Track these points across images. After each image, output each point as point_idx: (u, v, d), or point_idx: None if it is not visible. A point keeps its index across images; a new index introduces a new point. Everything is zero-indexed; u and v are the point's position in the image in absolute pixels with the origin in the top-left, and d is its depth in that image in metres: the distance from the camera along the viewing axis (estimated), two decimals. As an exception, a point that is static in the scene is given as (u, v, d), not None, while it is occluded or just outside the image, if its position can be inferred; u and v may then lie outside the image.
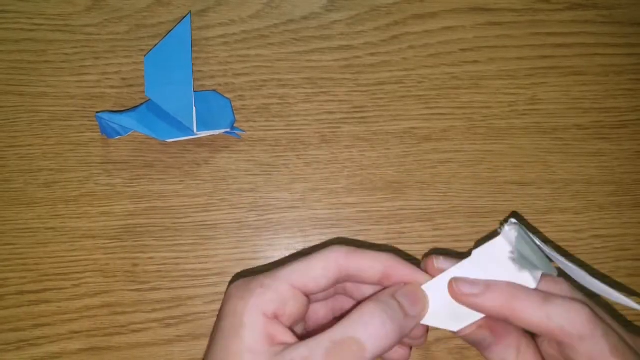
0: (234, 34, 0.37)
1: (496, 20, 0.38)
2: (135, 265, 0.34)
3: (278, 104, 0.36)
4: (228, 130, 0.35)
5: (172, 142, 0.35)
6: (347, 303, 0.28)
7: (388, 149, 0.36)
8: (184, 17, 0.36)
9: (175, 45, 0.35)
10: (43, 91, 0.36)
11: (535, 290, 0.24)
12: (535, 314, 0.23)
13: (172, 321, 0.34)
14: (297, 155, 0.36)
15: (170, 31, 0.36)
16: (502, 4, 0.38)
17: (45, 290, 0.34)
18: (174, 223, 0.35)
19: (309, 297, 0.25)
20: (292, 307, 0.23)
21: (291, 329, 0.24)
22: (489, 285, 0.24)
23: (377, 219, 0.36)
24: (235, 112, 0.36)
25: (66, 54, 0.36)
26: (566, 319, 0.23)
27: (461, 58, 0.37)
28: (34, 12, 0.37)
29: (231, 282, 0.28)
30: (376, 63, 0.37)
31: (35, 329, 0.34)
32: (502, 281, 0.24)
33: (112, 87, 0.36)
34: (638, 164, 0.37)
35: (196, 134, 0.35)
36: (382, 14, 0.38)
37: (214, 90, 0.36)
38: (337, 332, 0.22)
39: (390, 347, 0.22)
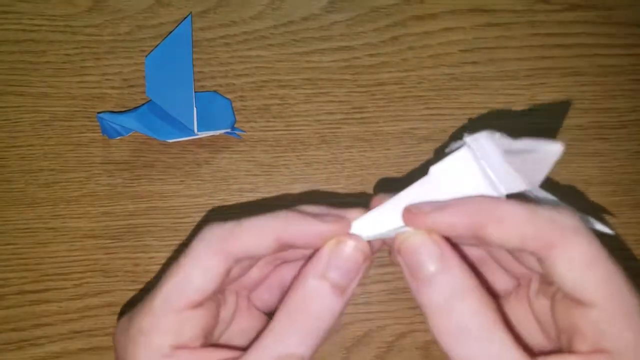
0: (234, 35, 0.37)
1: (495, 21, 0.38)
2: (136, 265, 0.35)
3: (278, 104, 0.37)
4: (228, 130, 0.35)
5: (173, 142, 0.35)
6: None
7: (388, 149, 0.36)
8: (185, 18, 0.36)
9: (176, 46, 0.35)
10: (44, 92, 0.36)
11: (514, 199, 0.19)
12: (517, 227, 0.18)
13: (172, 321, 0.34)
14: (297, 155, 0.36)
15: (171, 32, 0.36)
16: (501, 4, 0.38)
17: (46, 290, 0.34)
18: (175, 223, 0.35)
19: (214, 299, 0.21)
20: (190, 330, 0.20)
21: (210, 338, 0.21)
22: (451, 201, 0.19)
23: (377, 219, 0.36)
24: (235, 112, 0.36)
25: (67, 55, 0.36)
26: (557, 229, 0.18)
27: (460, 59, 0.37)
28: (34, 13, 0.37)
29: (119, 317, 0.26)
30: (376, 64, 0.37)
31: (36, 328, 0.34)
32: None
33: (113, 87, 0.36)
34: (637, 164, 0.37)
35: (197, 135, 0.35)
36: (382, 15, 0.38)
37: (215, 91, 0.36)
38: (267, 353, 0.19)
39: (329, 331, 0.20)
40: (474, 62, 0.38)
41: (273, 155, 0.36)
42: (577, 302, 0.18)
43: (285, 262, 0.25)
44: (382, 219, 0.20)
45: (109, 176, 0.35)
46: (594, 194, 0.37)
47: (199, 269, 0.20)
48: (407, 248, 0.20)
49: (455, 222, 0.19)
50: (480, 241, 0.19)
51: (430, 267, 0.19)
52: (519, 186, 0.20)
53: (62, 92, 0.36)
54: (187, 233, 0.35)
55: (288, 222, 0.20)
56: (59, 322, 0.34)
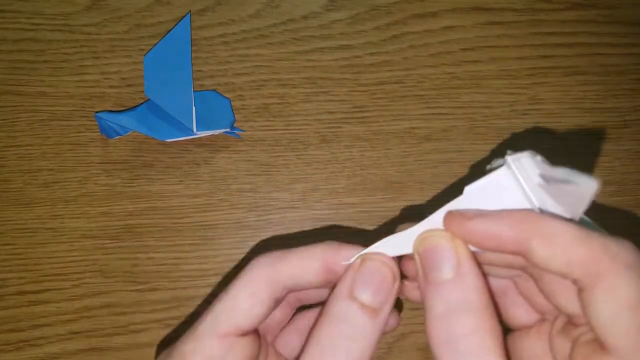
0: (233, 33, 0.37)
1: (497, 19, 0.38)
2: (134, 265, 0.34)
3: (278, 103, 0.36)
4: (228, 130, 0.35)
5: (172, 142, 0.35)
6: (303, 292, 0.24)
7: (388, 148, 0.36)
8: (184, 16, 0.36)
9: (174, 45, 0.35)
10: (42, 91, 0.36)
11: (567, 219, 0.18)
12: (566, 247, 0.17)
13: (171, 321, 0.34)
14: (297, 155, 0.36)
15: (170, 31, 0.35)
16: (502, 3, 0.38)
17: (44, 290, 0.34)
18: (174, 223, 0.35)
19: (256, 331, 0.21)
20: (234, 358, 0.19)
21: None
22: (497, 210, 0.18)
23: (377, 219, 0.35)
24: (235, 111, 0.36)
25: (65, 54, 0.36)
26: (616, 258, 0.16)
27: (462, 57, 0.37)
28: (33, 12, 0.37)
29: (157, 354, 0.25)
30: (376, 62, 0.37)
31: (34, 329, 0.34)
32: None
33: (111, 86, 0.36)
34: (639, 164, 0.37)
35: (196, 134, 0.34)
36: (382, 14, 0.37)
37: (214, 90, 0.36)
38: None
39: (373, 354, 0.19)
40: (475, 61, 0.37)
41: (272, 155, 0.36)
42: (601, 346, 0.17)
43: (305, 308, 0.25)
44: (411, 240, 0.19)
45: (108, 176, 0.35)
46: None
47: (247, 295, 0.20)
48: (426, 247, 0.19)
49: (500, 232, 0.18)
50: (523, 257, 0.18)
51: (444, 272, 0.18)
52: (559, 213, 0.18)
53: (61, 91, 0.36)
54: (186, 233, 0.35)
55: (334, 248, 0.20)
56: (58, 322, 0.34)
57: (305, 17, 0.37)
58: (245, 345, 0.20)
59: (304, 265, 0.20)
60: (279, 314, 0.24)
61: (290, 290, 0.21)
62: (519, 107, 0.37)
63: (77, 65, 0.36)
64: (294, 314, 0.25)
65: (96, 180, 0.35)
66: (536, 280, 0.20)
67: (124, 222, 0.35)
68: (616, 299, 0.16)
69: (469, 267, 0.18)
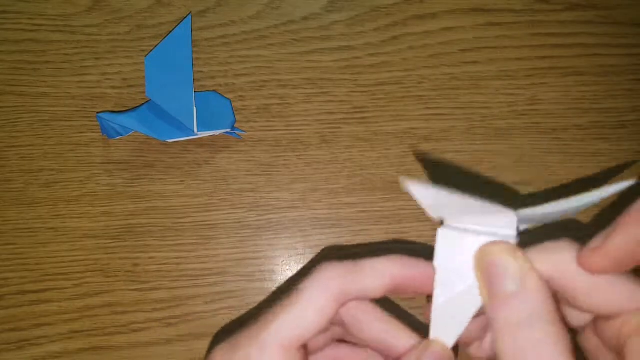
0: (234, 34, 0.37)
1: (496, 20, 0.38)
2: (135, 265, 0.35)
3: (278, 104, 0.37)
4: (228, 130, 0.35)
5: (173, 142, 0.35)
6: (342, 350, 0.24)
7: (388, 149, 0.36)
8: (185, 17, 0.36)
9: (175, 46, 0.35)
10: (44, 91, 0.36)
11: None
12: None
13: (172, 321, 0.34)
14: (297, 155, 0.36)
15: (171, 32, 0.36)
16: (501, 4, 0.38)
17: (46, 290, 0.34)
18: (175, 223, 0.35)
19: (306, 348, 0.21)
20: None
21: None
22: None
23: (377, 219, 0.36)
24: (235, 112, 0.36)
25: (67, 55, 0.36)
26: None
27: (461, 58, 0.37)
28: (34, 13, 0.37)
29: (212, 345, 0.25)
30: (376, 64, 0.37)
31: (36, 328, 0.34)
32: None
33: (112, 87, 0.36)
34: (638, 164, 0.37)
35: (197, 134, 0.35)
36: (382, 15, 0.38)
37: (215, 91, 0.36)
38: None
39: None
40: (474, 62, 0.37)
41: (273, 155, 0.36)
42: None
43: (341, 341, 0.24)
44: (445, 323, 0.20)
45: (109, 176, 0.35)
46: (594, 194, 0.36)
47: (316, 309, 0.20)
48: (488, 262, 0.19)
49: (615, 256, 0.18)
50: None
51: (511, 285, 0.18)
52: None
53: (62, 92, 0.36)
54: (187, 233, 0.35)
55: (403, 263, 0.21)
56: (59, 322, 0.34)
57: (305, 19, 0.37)
58: (302, 357, 0.20)
59: (374, 281, 0.20)
60: (322, 340, 0.24)
61: (353, 300, 0.21)
62: (517, 107, 0.37)
63: (78, 66, 0.36)
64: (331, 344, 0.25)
65: (97, 180, 0.35)
66: None
67: (125, 222, 0.35)
68: None
69: (533, 279, 0.18)
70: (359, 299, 0.21)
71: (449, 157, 0.36)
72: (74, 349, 0.34)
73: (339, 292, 0.20)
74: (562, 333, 0.18)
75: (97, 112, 0.35)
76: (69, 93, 0.36)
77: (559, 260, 0.19)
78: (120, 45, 0.37)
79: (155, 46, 0.35)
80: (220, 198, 0.35)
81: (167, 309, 0.34)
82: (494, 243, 0.20)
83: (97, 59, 0.37)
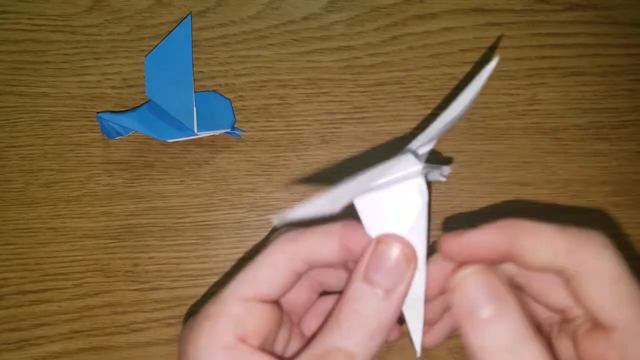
0: (234, 34, 0.37)
1: (496, 20, 0.38)
2: (135, 265, 0.35)
3: (278, 104, 0.37)
4: (228, 130, 0.35)
5: (173, 142, 0.35)
6: (326, 276, 0.25)
7: (388, 149, 0.36)
8: (185, 17, 0.36)
9: (175, 46, 0.35)
10: (44, 91, 0.36)
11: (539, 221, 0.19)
12: (550, 241, 0.18)
13: (172, 321, 0.34)
14: (297, 155, 0.36)
15: (171, 32, 0.36)
16: (501, 4, 0.38)
17: (46, 290, 0.34)
18: (175, 223, 0.35)
19: (277, 301, 0.22)
20: (255, 324, 0.20)
21: (269, 348, 0.21)
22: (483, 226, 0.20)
23: (377, 219, 0.36)
24: (235, 112, 0.36)
25: (67, 55, 0.36)
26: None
27: (461, 58, 0.37)
28: (34, 13, 0.37)
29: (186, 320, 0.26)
30: (376, 64, 0.37)
31: (36, 328, 0.34)
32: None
33: (112, 87, 0.36)
34: (637, 164, 0.37)
35: (197, 134, 0.35)
36: (382, 15, 0.38)
37: (215, 91, 0.36)
38: (318, 347, 0.19)
39: (384, 338, 0.20)
40: (474, 62, 0.37)
41: (273, 155, 0.36)
42: (601, 327, 0.18)
43: (329, 292, 0.25)
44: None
45: (109, 176, 0.35)
46: (594, 194, 0.37)
47: (268, 265, 0.21)
48: (461, 288, 0.19)
49: (493, 240, 0.19)
50: (513, 260, 0.19)
51: (486, 310, 0.18)
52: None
53: (62, 92, 0.36)
54: (187, 233, 0.35)
55: (351, 227, 0.21)
56: (59, 322, 0.34)
57: (305, 19, 0.37)
58: (265, 312, 0.21)
59: (322, 242, 0.21)
60: (304, 296, 0.25)
61: (311, 266, 0.22)
62: (517, 107, 0.37)
63: (78, 66, 0.36)
64: (318, 299, 0.26)
65: (97, 180, 0.35)
66: (525, 287, 0.21)
67: (125, 222, 0.35)
68: (601, 278, 0.18)
69: (509, 298, 0.18)
70: (317, 263, 0.22)
71: (449, 156, 0.36)
72: (74, 349, 0.34)
73: (290, 253, 0.21)
74: (547, 349, 0.18)
75: (97, 112, 0.35)
76: (69, 93, 0.36)
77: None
78: (120, 45, 0.37)
79: (155, 46, 0.35)
80: (220, 198, 0.35)
81: (167, 309, 0.34)
82: (466, 267, 0.19)
83: (97, 59, 0.37)
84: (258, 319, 0.20)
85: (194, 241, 0.35)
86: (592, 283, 0.18)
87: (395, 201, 0.20)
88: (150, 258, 0.35)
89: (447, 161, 0.31)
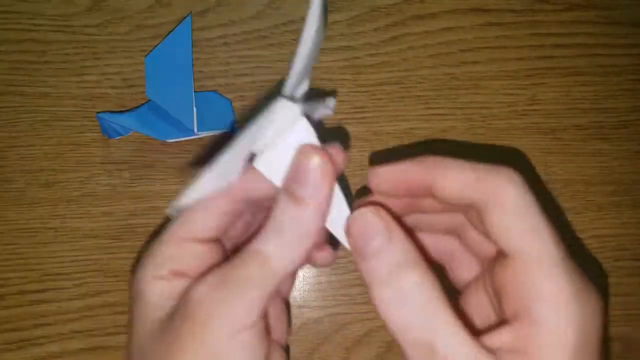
0: (234, 34, 0.37)
1: (496, 20, 0.38)
2: (136, 265, 0.35)
3: (278, 104, 0.37)
4: (228, 130, 0.35)
5: (173, 142, 0.35)
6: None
7: (388, 149, 0.36)
8: (185, 17, 0.36)
9: (175, 46, 0.35)
10: (44, 91, 0.36)
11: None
12: (460, 175, 0.20)
13: (172, 321, 0.34)
14: (297, 155, 0.36)
15: (171, 32, 0.36)
16: (501, 4, 0.38)
17: (46, 289, 0.34)
18: (175, 223, 0.35)
19: (217, 241, 0.23)
20: (191, 260, 0.22)
21: None
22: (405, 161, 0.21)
23: (377, 219, 0.36)
24: (235, 112, 0.36)
25: (67, 55, 0.36)
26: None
27: (461, 58, 0.37)
28: (34, 13, 0.37)
29: None
30: (376, 64, 0.37)
31: (36, 328, 0.34)
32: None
33: (112, 87, 0.36)
34: (637, 164, 0.37)
35: (197, 134, 0.35)
36: (382, 15, 0.38)
37: (215, 91, 0.36)
38: (244, 251, 0.20)
39: (304, 249, 0.20)
40: (474, 62, 0.38)
41: (273, 155, 0.36)
42: (506, 257, 0.19)
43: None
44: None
45: (109, 176, 0.35)
46: (594, 194, 0.37)
47: (201, 207, 0.22)
48: (354, 228, 0.20)
49: (412, 173, 0.21)
50: (430, 194, 0.21)
51: (378, 241, 0.19)
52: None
53: (62, 92, 0.36)
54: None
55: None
56: (59, 322, 0.34)
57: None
58: (202, 251, 0.22)
59: (253, 179, 0.22)
60: (242, 223, 0.25)
61: (248, 204, 0.23)
62: (517, 107, 0.37)
63: (78, 66, 0.36)
64: None
65: (98, 180, 0.35)
66: (472, 223, 0.22)
67: (125, 222, 0.35)
68: (506, 207, 0.19)
69: (395, 228, 0.20)
70: (255, 199, 0.22)
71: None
72: (74, 349, 0.34)
73: (225, 194, 0.22)
74: (433, 275, 0.19)
75: (97, 112, 0.35)
76: (69, 93, 0.36)
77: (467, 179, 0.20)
78: (120, 45, 0.37)
79: (156, 46, 0.35)
80: (220, 198, 0.35)
81: (167, 309, 0.34)
82: (359, 210, 0.20)
83: (97, 59, 0.37)
84: (194, 257, 0.22)
85: (194, 241, 0.35)
86: (496, 212, 0.19)
87: (290, 150, 0.21)
88: (150, 258, 0.35)
89: (331, 94, 0.30)
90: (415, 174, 0.21)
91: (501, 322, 0.19)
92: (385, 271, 0.19)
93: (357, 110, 0.37)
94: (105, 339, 0.34)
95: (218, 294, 0.19)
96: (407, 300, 0.18)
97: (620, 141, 0.37)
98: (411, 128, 0.37)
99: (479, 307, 0.22)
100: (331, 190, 0.20)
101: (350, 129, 0.36)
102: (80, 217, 0.35)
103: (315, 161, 0.20)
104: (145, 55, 0.35)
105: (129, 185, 0.35)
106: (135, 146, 0.36)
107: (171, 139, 0.35)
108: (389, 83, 0.37)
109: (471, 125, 0.37)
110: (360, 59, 0.37)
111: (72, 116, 0.36)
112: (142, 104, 0.35)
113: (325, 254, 0.23)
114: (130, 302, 0.22)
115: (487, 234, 0.20)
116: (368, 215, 0.20)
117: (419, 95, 0.37)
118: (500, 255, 0.20)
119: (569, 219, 0.36)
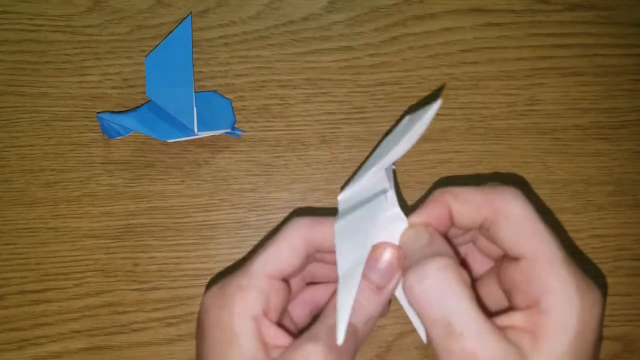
0: (234, 34, 0.37)
1: (495, 21, 0.38)
2: (136, 264, 0.35)
3: (278, 104, 0.37)
4: (228, 130, 0.35)
5: (173, 142, 0.35)
6: (317, 268, 0.27)
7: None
8: (185, 18, 0.36)
9: (176, 46, 0.35)
10: (44, 92, 0.36)
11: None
12: (472, 199, 0.23)
13: (173, 320, 0.34)
14: (297, 155, 0.36)
15: (171, 32, 0.36)
16: (501, 5, 0.38)
17: (46, 289, 0.34)
18: (175, 223, 0.35)
19: (288, 282, 0.24)
20: (276, 299, 0.23)
21: (279, 322, 0.24)
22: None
23: (376, 219, 0.36)
24: (235, 112, 0.36)
25: (67, 55, 0.37)
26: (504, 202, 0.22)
27: (460, 59, 0.37)
28: (35, 13, 0.37)
29: (206, 290, 0.28)
30: (376, 64, 0.37)
31: (36, 328, 0.34)
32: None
33: (113, 87, 0.36)
34: (637, 164, 0.37)
35: (197, 134, 0.35)
36: (382, 15, 0.38)
37: (215, 91, 0.36)
38: (324, 323, 0.22)
39: (373, 324, 0.23)
40: (473, 62, 0.38)
41: (273, 155, 0.36)
42: (513, 259, 0.22)
43: (315, 282, 0.28)
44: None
45: (110, 176, 0.35)
46: (594, 194, 0.37)
47: (288, 245, 0.23)
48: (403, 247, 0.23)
49: (436, 213, 0.23)
50: (452, 223, 0.23)
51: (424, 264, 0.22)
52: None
53: (62, 92, 0.36)
54: (188, 233, 0.35)
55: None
56: (59, 321, 0.34)
57: (305, 19, 0.38)
58: (284, 288, 0.24)
59: (332, 231, 0.23)
60: (296, 283, 0.27)
61: (318, 252, 0.24)
62: (517, 107, 0.37)
63: (78, 66, 0.36)
64: (304, 288, 0.28)
65: (98, 180, 0.35)
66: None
67: (125, 222, 0.35)
68: (512, 219, 0.22)
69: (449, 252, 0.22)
70: (325, 249, 0.24)
71: (448, 157, 0.36)
72: (75, 349, 0.34)
73: (306, 237, 0.24)
74: (455, 263, 0.21)
75: (98, 112, 0.35)
76: (69, 93, 0.36)
77: (495, 203, 0.23)
78: (120, 46, 0.37)
79: (156, 46, 0.35)
80: (220, 198, 0.36)
81: (167, 309, 0.34)
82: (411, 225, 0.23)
83: (97, 59, 0.37)
84: (279, 296, 0.23)
85: (194, 241, 0.35)
86: (504, 224, 0.22)
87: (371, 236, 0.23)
88: (150, 258, 0.35)
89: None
90: (439, 213, 0.23)
91: (511, 308, 0.22)
92: (416, 260, 0.21)
93: (357, 110, 0.37)
94: (105, 339, 0.34)
95: None
96: (429, 282, 0.20)
97: (620, 141, 0.37)
98: (411, 128, 0.37)
99: (492, 295, 0.25)
100: (400, 278, 0.23)
101: (349, 129, 0.36)
102: (81, 217, 0.35)
103: (390, 255, 0.23)
104: (146, 56, 0.35)
105: (129, 185, 0.35)
106: (136, 146, 0.36)
107: (171, 139, 0.35)
108: (389, 83, 0.37)
109: (471, 125, 0.37)
110: (360, 59, 0.37)
111: (73, 116, 0.36)
112: (143, 104, 0.35)
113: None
114: (214, 342, 0.22)
115: (497, 242, 0.23)
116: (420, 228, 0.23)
117: (419, 96, 0.37)
118: (508, 258, 0.22)
119: (568, 219, 0.36)
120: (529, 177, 0.36)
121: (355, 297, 0.21)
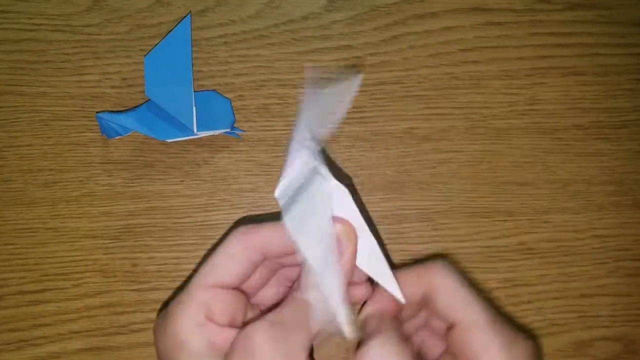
0: (233, 34, 0.37)
1: (496, 20, 0.38)
2: (135, 265, 0.35)
3: (278, 104, 0.36)
4: (228, 130, 0.35)
5: (172, 142, 0.35)
6: (293, 271, 0.28)
7: (387, 149, 0.36)
8: (184, 17, 0.36)
9: (175, 45, 0.35)
10: (43, 91, 0.36)
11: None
12: (411, 281, 0.25)
13: (172, 321, 0.34)
14: (297, 155, 0.36)
15: (171, 31, 0.36)
16: (502, 4, 0.38)
17: (45, 290, 0.34)
18: (174, 223, 0.35)
19: (240, 288, 0.26)
20: (221, 306, 0.24)
21: (244, 320, 0.25)
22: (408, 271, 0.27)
23: (376, 219, 0.36)
24: (235, 112, 0.36)
25: (66, 54, 0.36)
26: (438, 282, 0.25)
27: (461, 58, 0.37)
28: (34, 12, 0.37)
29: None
30: (376, 63, 0.37)
31: (35, 328, 0.34)
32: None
33: (112, 87, 0.36)
34: (638, 164, 0.37)
35: (196, 134, 0.35)
36: (382, 14, 0.38)
37: (214, 90, 0.36)
38: (290, 298, 0.24)
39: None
40: (474, 61, 0.37)
41: (272, 155, 0.36)
42: (452, 327, 0.25)
43: (284, 266, 0.28)
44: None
45: (109, 176, 0.35)
46: (595, 194, 0.36)
47: (226, 256, 0.25)
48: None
49: (383, 297, 0.26)
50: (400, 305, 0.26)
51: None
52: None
53: (61, 92, 0.36)
54: (187, 233, 0.35)
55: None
56: (58, 322, 0.34)
57: (305, 18, 0.37)
58: (228, 297, 0.25)
59: (274, 235, 0.25)
60: (274, 289, 0.29)
61: (265, 256, 0.26)
62: (518, 107, 0.37)
63: (78, 65, 0.36)
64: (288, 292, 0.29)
65: (97, 180, 0.35)
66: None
67: (124, 222, 0.35)
68: (444, 289, 0.25)
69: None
70: (272, 254, 0.25)
71: (448, 157, 0.36)
72: (73, 350, 0.34)
73: (246, 245, 0.25)
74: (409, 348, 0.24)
75: (97, 112, 0.35)
76: (68, 93, 0.36)
77: (433, 281, 0.26)
78: (120, 45, 0.37)
79: (155, 46, 0.35)
80: (220, 198, 0.35)
81: (167, 309, 0.34)
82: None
83: (96, 58, 0.36)
84: (221, 302, 0.24)
85: (194, 241, 0.35)
86: (438, 296, 0.25)
87: (321, 217, 0.24)
88: (149, 258, 0.35)
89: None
90: (386, 298, 0.26)
91: None
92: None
93: (357, 110, 0.37)
94: (104, 339, 0.34)
95: (276, 343, 0.22)
96: (370, 355, 0.23)
97: (621, 141, 0.37)
98: (411, 128, 0.37)
99: None
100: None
101: (349, 128, 0.36)
102: (80, 217, 0.35)
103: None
104: (145, 55, 0.35)
105: (128, 185, 0.35)
106: (135, 146, 0.36)
107: (171, 138, 0.35)
108: (389, 82, 0.37)
109: (471, 124, 0.37)
110: (360, 59, 0.37)
111: (72, 116, 0.36)
112: (142, 104, 0.35)
113: (362, 288, 0.27)
114: (167, 352, 0.24)
115: (436, 313, 0.25)
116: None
117: (419, 95, 0.37)
118: (449, 327, 0.25)
119: (568, 219, 0.36)
120: (529, 177, 0.36)
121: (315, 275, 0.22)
